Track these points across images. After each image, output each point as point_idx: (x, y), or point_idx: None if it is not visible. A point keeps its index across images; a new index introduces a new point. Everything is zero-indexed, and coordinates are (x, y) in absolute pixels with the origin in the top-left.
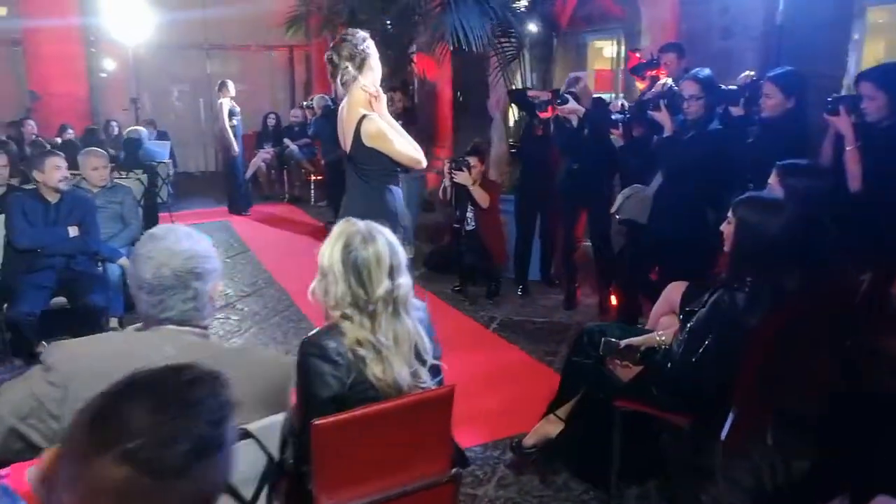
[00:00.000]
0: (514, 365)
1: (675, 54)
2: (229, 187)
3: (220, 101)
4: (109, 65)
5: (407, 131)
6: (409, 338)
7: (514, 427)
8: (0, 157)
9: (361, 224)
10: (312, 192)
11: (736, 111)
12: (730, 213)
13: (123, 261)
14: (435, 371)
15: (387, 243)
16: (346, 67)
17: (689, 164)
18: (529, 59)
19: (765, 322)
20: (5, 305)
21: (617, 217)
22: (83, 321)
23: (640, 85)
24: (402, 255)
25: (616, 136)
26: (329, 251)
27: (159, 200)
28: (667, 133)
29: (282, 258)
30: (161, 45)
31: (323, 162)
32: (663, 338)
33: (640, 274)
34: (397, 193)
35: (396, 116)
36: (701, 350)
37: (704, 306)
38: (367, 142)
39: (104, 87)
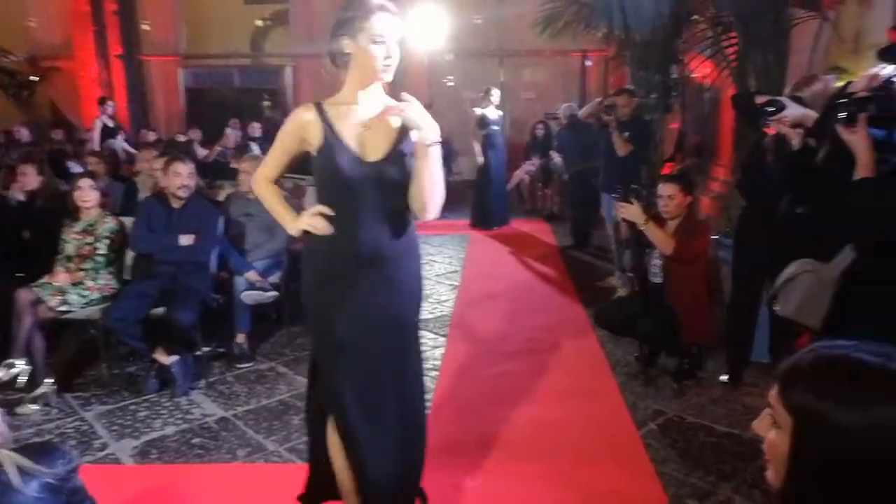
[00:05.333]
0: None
1: None
2: (474, 199)
3: (477, 109)
4: (408, 71)
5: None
6: None
7: None
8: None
9: None
10: None
11: None
12: (770, 404)
13: (251, 274)
14: None
15: None
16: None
17: None
18: None
19: None
20: None
21: (775, 310)
22: (170, 335)
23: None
24: None
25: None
26: None
27: None
28: (861, 173)
29: (488, 287)
30: (455, 52)
31: (565, 177)
32: None
33: None
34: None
35: (620, 126)
36: None
37: None
38: None
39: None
